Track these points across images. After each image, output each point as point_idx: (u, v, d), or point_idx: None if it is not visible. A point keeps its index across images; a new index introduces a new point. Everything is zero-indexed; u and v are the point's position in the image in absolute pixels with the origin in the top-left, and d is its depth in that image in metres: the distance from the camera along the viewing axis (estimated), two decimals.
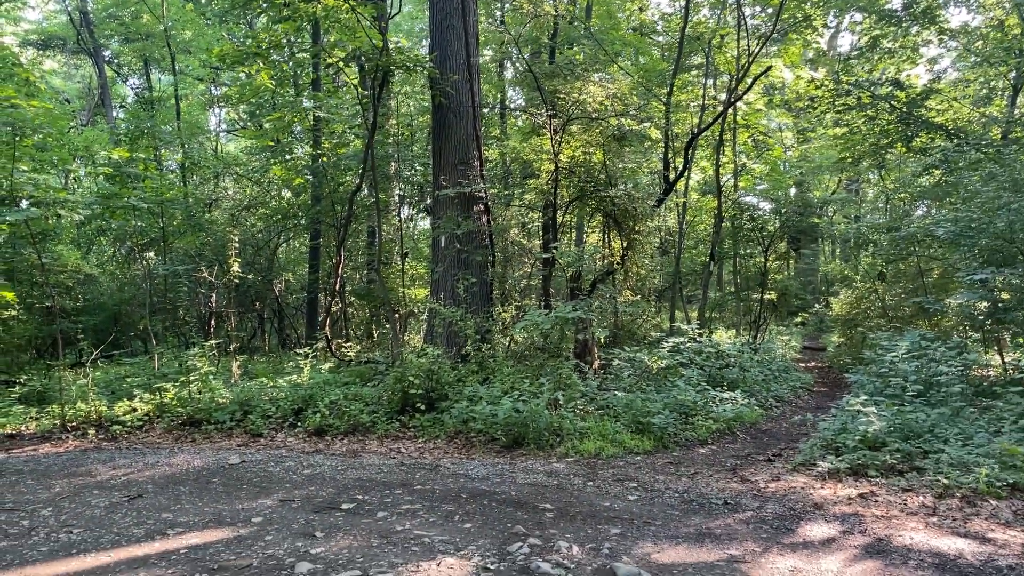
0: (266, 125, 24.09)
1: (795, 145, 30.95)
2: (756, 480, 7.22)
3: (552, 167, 12.11)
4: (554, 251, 10.99)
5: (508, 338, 11.63)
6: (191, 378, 10.60)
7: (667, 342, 11.43)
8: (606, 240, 13.12)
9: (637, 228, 12.34)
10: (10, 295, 15.41)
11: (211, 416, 9.81)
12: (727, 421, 9.61)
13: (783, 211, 16.46)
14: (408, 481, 7.35)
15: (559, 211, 12.24)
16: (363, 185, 12.94)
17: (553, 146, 11.45)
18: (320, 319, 19.72)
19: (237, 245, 12.30)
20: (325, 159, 15.47)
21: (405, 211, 21.83)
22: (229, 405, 10.04)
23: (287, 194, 19.68)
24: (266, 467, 7.89)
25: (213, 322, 21.70)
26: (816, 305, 27.48)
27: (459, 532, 5.78)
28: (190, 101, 35.48)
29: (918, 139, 21.70)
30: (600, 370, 11.31)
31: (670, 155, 13.99)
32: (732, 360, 11.80)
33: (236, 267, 11.97)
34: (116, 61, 36.49)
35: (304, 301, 24.09)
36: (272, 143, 18.43)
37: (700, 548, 5.37)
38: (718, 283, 26.16)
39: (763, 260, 17.31)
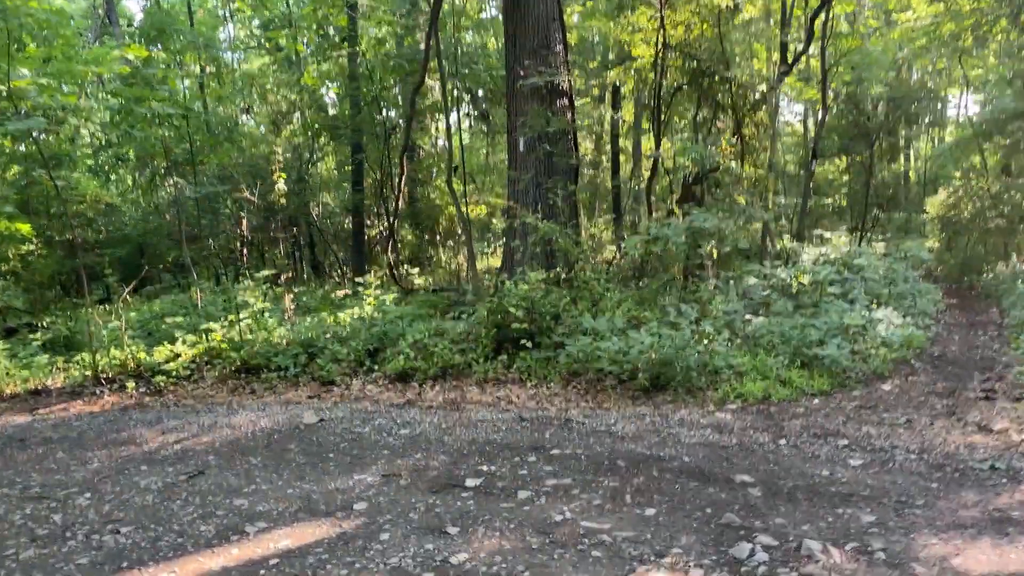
0: (282, 41, 22.14)
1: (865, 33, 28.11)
2: (1004, 429, 5.58)
3: (651, 50, 10.14)
4: (671, 148, 9.15)
5: (611, 257, 9.96)
6: (241, 316, 9.11)
7: (806, 253, 9.71)
8: (711, 134, 11.17)
9: (755, 119, 10.44)
10: (26, 227, 13.97)
11: (271, 361, 8.34)
12: (897, 348, 7.94)
13: (895, 98, 14.32)
14: (538, 443, 5.82)
15: (663, 102, 10.30)
16: (427, 78, 11.10)
17: (660, 15, 9.45)
18: (374, 242, 18.17)
19: (281, 159, 10.62)
20: (368, 55, 13.57)
21: (454, 117, 19.92)
22: (291, 347, 8.56)
23: (319, 105, 17.77)
24: (351, 427, 6.41)
25: (245, 251, 20.25)
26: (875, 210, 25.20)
27: (644, 523, 4.25)
28: (199, 18, 33.14)
29: None
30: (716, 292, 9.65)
31: (788, 30, 11.91)
32: (880, 273, 10.05)
33: (282, 183, 10.32)
34: None
35: (344, 225, 22.48)
36: (301, 47, 16.50)
37: (1016, 546, 3.78)
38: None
39: (868, 157, 15.29)
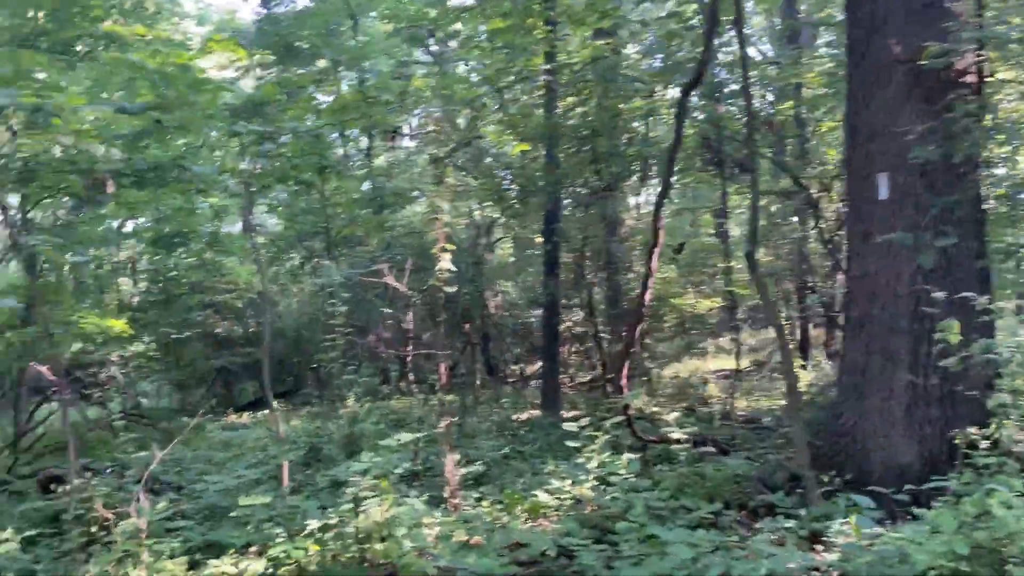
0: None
1: None
2: None
3: None
4: None
5: None
6: (360, 510, 4.63)
7: None
8: None
9: None
10: (119, 324, 10.58)
11: None
12: None
13: None
14: None
15: None
16: (704, 72, 6.44)
17: None
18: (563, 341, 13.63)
19: (445, 222, 6.33)
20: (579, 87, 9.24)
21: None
22: None
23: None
24: None
25: (410, 351, 16.32)
26: None
27: None
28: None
29: None
30: None
31: None
32: None
33: (447, 262, 5.94)
34: None
35: (523, 320, 18.29)
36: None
37: None
38: None
39: None
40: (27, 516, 6.23)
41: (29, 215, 7.90)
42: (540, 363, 17.10)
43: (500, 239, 18.94)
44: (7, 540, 4.74)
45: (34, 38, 6.82)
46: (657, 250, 6.61)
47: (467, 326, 14.96)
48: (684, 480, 5.81)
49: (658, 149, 11.64)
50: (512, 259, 19.84)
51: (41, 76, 5.11)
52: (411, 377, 17.26)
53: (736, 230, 23.05)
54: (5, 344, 9.28)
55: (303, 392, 17.31)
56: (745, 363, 15.25)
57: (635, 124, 11.45)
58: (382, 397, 14.55)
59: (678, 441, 6.19)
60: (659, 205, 6.51)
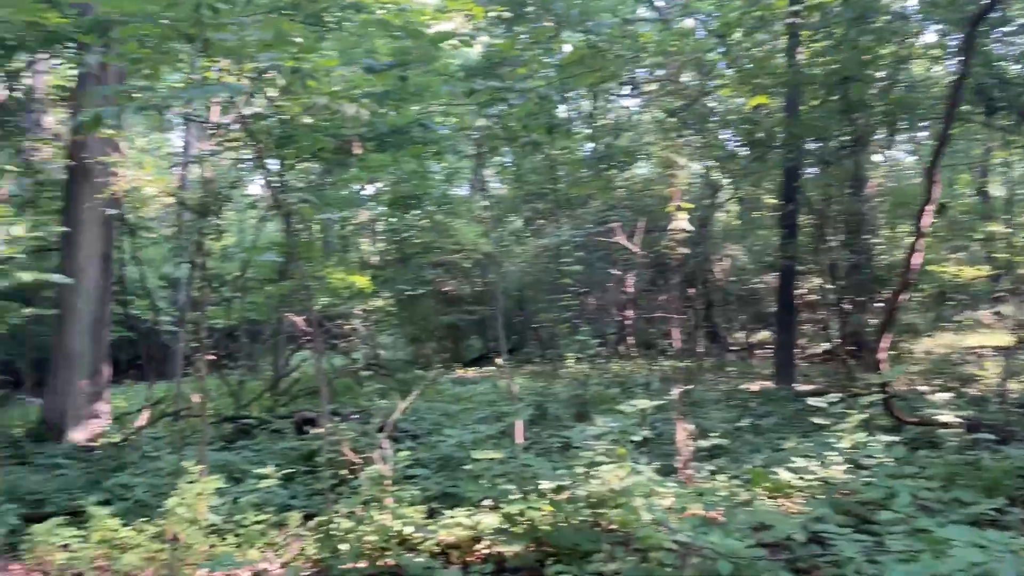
0: None
1: None
2: None
3: None
4: None
5: None
6: (591, 474, 4.50)
7: None
8: None
9: None
10: (363, 281, 11.26)
11: None
12: None
13: None
14: None
15: None
16: None
17: None
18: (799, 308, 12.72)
19: (682, 175, 5.96)
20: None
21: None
22: None
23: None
24: None
25: (630, 315, 16.03)
26: None
27: None
28: None
29: None
30: None
31: None
32: None
33: (684, 222, 5.59)
34: None
35: (747, 284, 17.31)
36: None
37: None
38: None
39: None
40: (285, 454, 6.81)
41: (285, 177, 8.53)
42: (768, 331, 16.16)
43: (727, 200, 18.00)
44: (269, 476, 5.13)
45: (290, 9, 7.26)
46: (930, 208, 5.78)
47: (691, 291, 14.44)
48: (955, 469, 5.09)
49: (913, 97, 10.43)
50: (738, 221, 18.85)
51: (297, 42, 5.36)
52: (631, 340, 17.06)
53: (998, 190, 20.26)
54: (266, 296, 10.24)
55: (525, 350, 17.64)
56: (1015, 339, 13.39)
57: (880, 74, 10.30)
58: (603, 360, 14.46)
59: (947, 425, 5.44)
60: (936, 157, 5.65)
